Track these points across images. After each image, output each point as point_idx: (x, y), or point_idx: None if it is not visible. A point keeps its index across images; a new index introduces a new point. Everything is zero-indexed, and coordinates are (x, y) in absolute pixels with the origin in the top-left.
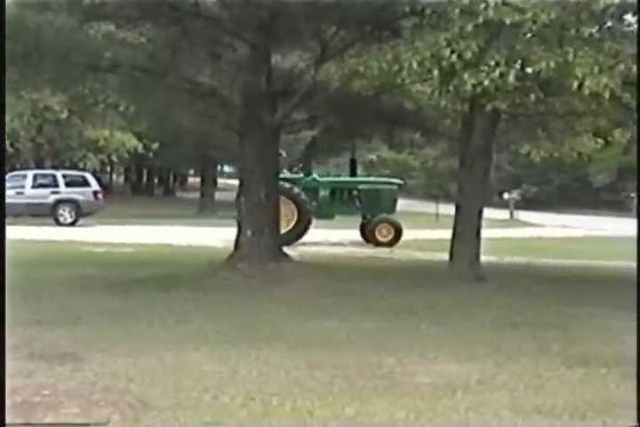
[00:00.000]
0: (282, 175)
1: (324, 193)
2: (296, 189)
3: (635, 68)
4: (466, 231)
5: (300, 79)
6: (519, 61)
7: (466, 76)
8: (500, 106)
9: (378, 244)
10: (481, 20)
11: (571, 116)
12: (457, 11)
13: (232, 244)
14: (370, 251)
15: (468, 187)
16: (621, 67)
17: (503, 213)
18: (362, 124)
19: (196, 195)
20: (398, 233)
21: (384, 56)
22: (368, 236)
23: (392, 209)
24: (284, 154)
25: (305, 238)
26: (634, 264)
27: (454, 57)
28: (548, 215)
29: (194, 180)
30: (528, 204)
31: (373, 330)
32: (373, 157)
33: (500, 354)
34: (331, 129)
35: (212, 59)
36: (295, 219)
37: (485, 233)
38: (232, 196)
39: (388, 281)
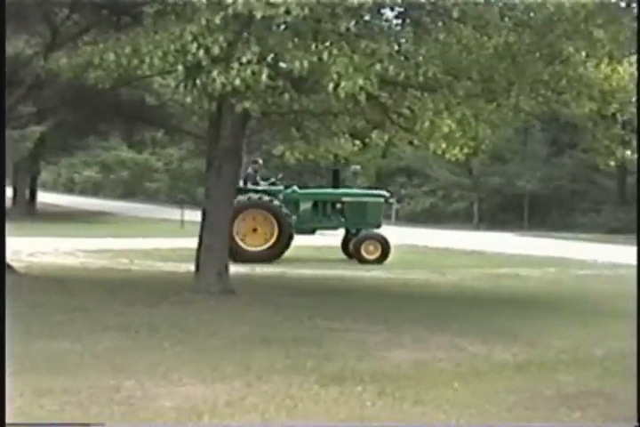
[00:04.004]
0: (260, 187)
1: (304, 206)
2: (276, 202)
3: (391, 67)
4: (214, 240)
5: (28, 68)
6: (272, 58)
7: (215, 73)
8: (251, 106)
9: (363, 261)
10: (230, 12)
11: (327, 116)
12: (204, 0)
13: None
14: (105, 262)
15: (215, 191)
16: (378, 67)
17: None
18: (98, 119)
19: None
20: (385, 249)
21: (122, 48)
22: (352, 252)
23: (378, 223)
24: (260, 161)
25: (39, 248)
26: (391, 275)
27: (201, 52)
28: None
29: None
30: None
31: (110, 350)
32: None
33: (250, 373)
34: (62, 125)
35: None
36: (275, 234)
37: None
38: None
39: (127, 296)
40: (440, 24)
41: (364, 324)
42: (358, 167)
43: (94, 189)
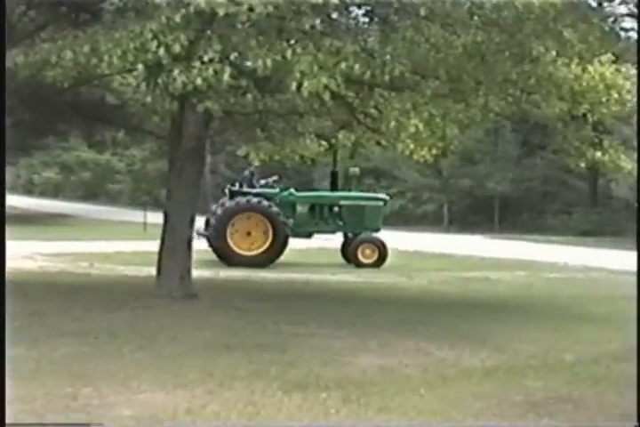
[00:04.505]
0: (254, 190)
1: (301, 209)
2: (272, 206)
3: (357, 66)
4: (176, 243)
5: None
6: (235, 57)
7: (176, 72)
8: (213, 106)
9: (359, 265)
10: (192, 9)
11: (292, 116)
12: None
13: None
14: (65, 266)
15: (177, 193)
16: (343, 65)
17: None
18: (56, 119)
19: None
20: (383, 253)
21: (80, 47)
22: (349, 256)
23: (377, 227)
24: (255, 163)
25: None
26: (358, 279)
27: (162, 50)
28: None
29: None
30: None
31: (68, 356)
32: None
33: (212, 380)
34: (20, 124)
35: None
36: (270, 238)
37: (199, 244)
38: None
39: (86, 300)
40: (408, 22)
41: (330, 329)
42: (357, 169)
43: (54, 191)
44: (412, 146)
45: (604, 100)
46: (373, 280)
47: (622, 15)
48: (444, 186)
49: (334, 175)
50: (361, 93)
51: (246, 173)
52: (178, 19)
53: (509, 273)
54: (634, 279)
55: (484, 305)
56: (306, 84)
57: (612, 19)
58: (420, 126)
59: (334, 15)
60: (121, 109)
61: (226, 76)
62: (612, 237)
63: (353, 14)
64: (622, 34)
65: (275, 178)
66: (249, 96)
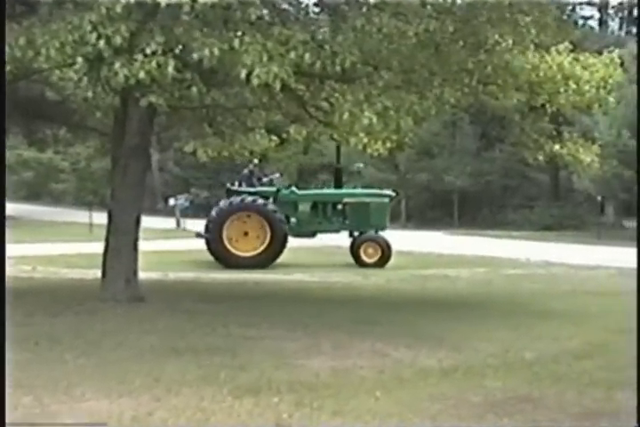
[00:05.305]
0: (252, 189)
1: (303, 208)
2: (269, 205)
3: (307, 55)
4: (121, 244)
5: None
6: (179, 49)
7: (117, 65)
8: (157, 100)
9: (362, 265)
10: (133, 0)
11: (241, 110)
12: None
13: None
14: (7, 269)
15: (121, 192)
16: (292, 55)
17: (169, 222)
18: None
19: None
20: (386, 252)
21: (16, 40)
22: (353, 256)
23: (383, 225)
24: (255, 161)
25: None
26: (312, 278)
27: (102, 43)
28: None
29: None
30: (198, 211)
31: (7, 364)
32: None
33: (158, 386)
34: None
35: None
36: (268, 239)
37: (146, 246)
38: None
39: (27, 305)
40: (358, 12)
41: (282, 330)
42: (362, 165)
43: None
44: (365, 139)
45: (562, 90)
46: (328, 279)
47: (581, 3)
48: (400, 181)
49: (338, 171)
50: (312, 86)
51: (245, 171)
52: (118, 9)
53: (469, 270)
54: (595, 274)
55: (442, 303)
56: (256, 71)
57: (569, 7)
58: (374, 119)
59: (284, 5)
60: (62, 105)
61: (170, 69)
62: (573, 231)
63: (303, 4)
64: (581, 22)
65: (277, 176)
66: (194, 90)
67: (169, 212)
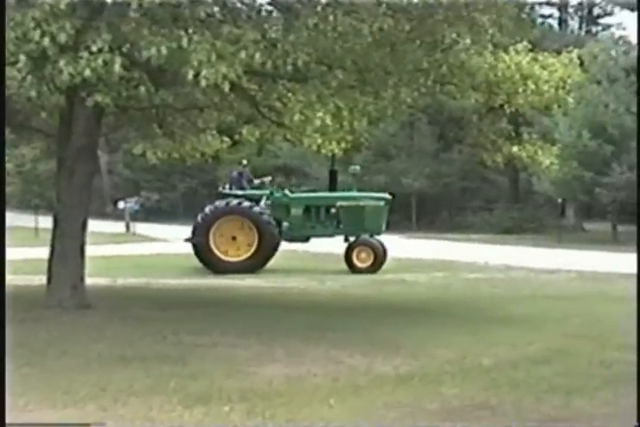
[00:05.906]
0: (241, 192)
1: (296, 211)
2: (257, 209)
3: (258, 55)
4: (67, 249)
5: None
6: (127, 47)
7: (62, 63)
8: (104, 100)
9: (355, 270)
10: None
11: (192, 111)
12: None
13: None
14: None
15: (67, 195)
16: (243, 54)
17: (118, 226)
18: None
19: None
20: (379, 257)
21: None
22: (345, 260)
23: (379, 229)
24: (245, 163)
25: None
26: (267, 284)
27: (46, 40)
28: (171, 227)
29: None
30: (149, 214)
31: None
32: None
33: (105, 396)
34: None
35: None
36: (256, 243)
37: (94, 250)
38: None
39: None
40: (312, 10)
41: (234, 337)
42: (357, 168)
43: None
44: (319, 140)
45: (520, 90)
46: (283, 285)
47: (540, 2)
48: (357, 183)
49: (333, 174)
50: (264, 85)
51: (234, 173)
52: (63, 6)
53: (427, 274)
54: (555, 277)
55: (399, 309)
56: (204, 72)
57: (528, 6)
58: (327, 119)
59: (236, 4)
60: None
61: (116, 67)
62: (533, 234)
63: (256, 3)
64: (540, 20)
65: (269, 178)
66: (142, 89)
67: (118, 215)
